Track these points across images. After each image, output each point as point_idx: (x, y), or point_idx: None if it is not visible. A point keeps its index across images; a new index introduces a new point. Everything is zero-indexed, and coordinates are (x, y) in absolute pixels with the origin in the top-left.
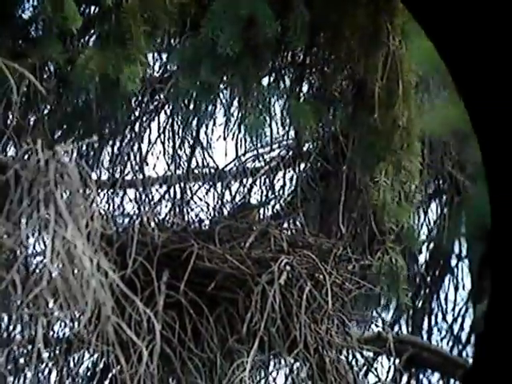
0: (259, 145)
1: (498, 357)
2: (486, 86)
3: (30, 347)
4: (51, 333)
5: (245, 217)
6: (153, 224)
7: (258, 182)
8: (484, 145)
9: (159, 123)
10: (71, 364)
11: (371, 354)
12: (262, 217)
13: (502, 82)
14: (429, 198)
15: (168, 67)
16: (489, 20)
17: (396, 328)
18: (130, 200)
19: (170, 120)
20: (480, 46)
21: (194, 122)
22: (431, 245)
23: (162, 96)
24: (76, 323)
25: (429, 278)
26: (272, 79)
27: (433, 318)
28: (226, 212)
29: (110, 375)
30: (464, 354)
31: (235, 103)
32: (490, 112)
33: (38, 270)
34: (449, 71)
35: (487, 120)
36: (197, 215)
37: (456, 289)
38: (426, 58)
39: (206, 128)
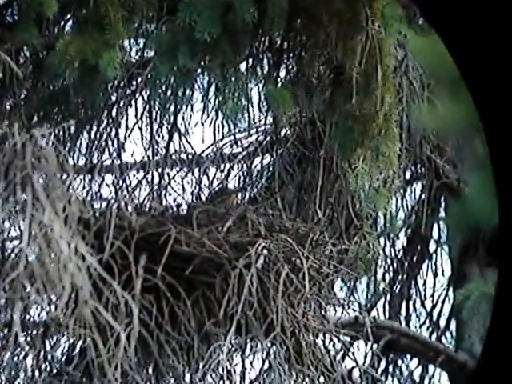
0: (237, 130)
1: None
2: (497, 80)
3: (6, 331)
4: (28, 317)
5: (222, 202)
6: (130, 208)
7: (235, 168)
8: (492, 140)
9: (136, 108)
10: (48, 348)
11: (348, 339)
12: (239, 201)
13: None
14: (407, 183)
15: (145, 52)
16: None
17: (373, 313)
18: (108, 185)
19: (148, 105)
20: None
21: (172, 108)
22: (409, 230)
23: (139, 81)
24: (53, 307)
25: (406, 264)
26: (250, 64)
27: (411, 303)
28: (203, 197)
29: (87, 359)
30: (444, 340)
31: (213, 89)
32: (500, 108)
33: (14, 254)
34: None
35: (497, 116)
36: (174, 200)
37: (435, 274)
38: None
39: (184, 113)
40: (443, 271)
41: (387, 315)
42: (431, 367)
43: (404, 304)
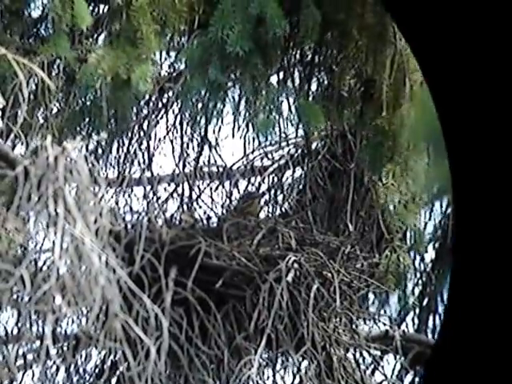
0: (267, 143)
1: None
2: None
3: (38, 343)
4: (59, 329)
5: (248, 207)
6: (161, 221)
7: (266, 181)
8: (452, 149)
9: (167, 121)
10: (79, 361)
11: (378, 353)
12: (270, 215)
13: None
14: (434, 197)
15: (176, 66)
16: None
17: (403, 326)
18: (138, 198)
19: (179, 118)
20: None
21: (202, 121)
22: (437, 243)
23: (170, 94)
24: (84, 320)
25: (434, 277)
26: (281, 78)
27: (437, 316)
28: (232, 207)
29: (117, 372)
30: None
31: (243, 102)
32: (461, 118)
33: (46, 267)
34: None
35: (458, 126)
36: (205, 213)
37: None
38: None
39: (214, 126)
40: None
41: (415, 328)
42: None
43: (431, 317)
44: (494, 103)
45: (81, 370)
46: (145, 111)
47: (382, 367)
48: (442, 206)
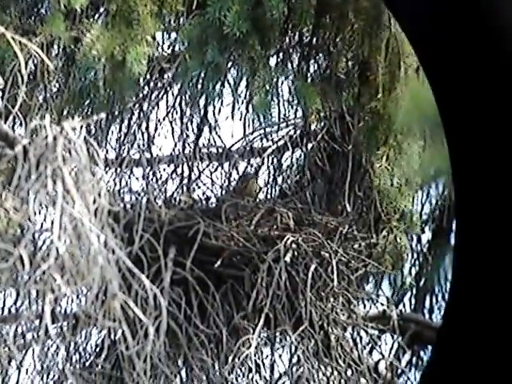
0: (267, 124)
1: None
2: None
3: (37, 323)
4: (58, 309)
5: (244, 188)
6: (160, 201)
7: (265, 162)
8: (452, 138)
9: (167, 102)
10: (78, 340)
11: (376, 332)
12: (269, 195)
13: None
14: (430, 179)
15: (176, 47)
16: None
17: (400, 306)
18: (137, 179)
19: (178, 99)
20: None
21: (202, 102)
22: (434, 224)
23: (170, 75)
24: (83, 299)
25: (431, 258)
26: (279, 59)
27: (433, 296)
28: (231, 188)
29: (116, 351)
30: None
31: (243, 83)
32: (461, 109)
33: (45, 246)
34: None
35: (457, 116)
36: (204, 193)
37: None
38: None
39: (214, 107)
40: None
41: (412, 308)
42: None
43: (428, 297)
44: (494, 98)
45: (81, 349)
46: (145, 92)
47: (380, 346)
48: (438, 188)
